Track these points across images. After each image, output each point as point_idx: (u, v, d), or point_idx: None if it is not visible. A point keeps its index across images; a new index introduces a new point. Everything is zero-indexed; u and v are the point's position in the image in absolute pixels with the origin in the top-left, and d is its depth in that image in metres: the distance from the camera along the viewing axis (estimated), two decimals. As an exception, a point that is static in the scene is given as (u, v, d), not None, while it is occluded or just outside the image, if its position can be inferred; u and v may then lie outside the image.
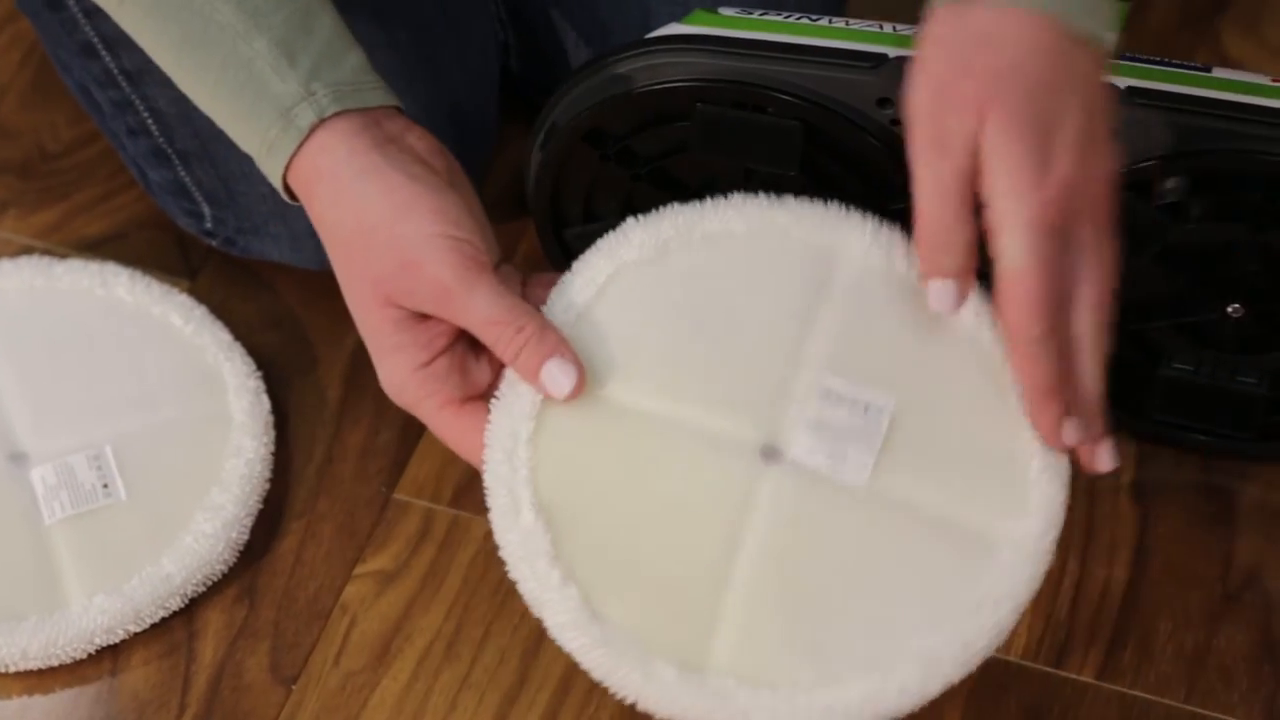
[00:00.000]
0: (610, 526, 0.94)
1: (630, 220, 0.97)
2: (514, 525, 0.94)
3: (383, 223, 0.94)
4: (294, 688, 1.05)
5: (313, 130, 0.95)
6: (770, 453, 0.95)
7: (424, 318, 0.95)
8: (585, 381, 0.95)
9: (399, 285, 0.94)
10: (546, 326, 0.95)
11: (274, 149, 0.96)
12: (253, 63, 0.96)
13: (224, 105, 0.97)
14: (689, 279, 0.96)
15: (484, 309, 0.94)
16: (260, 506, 1.09)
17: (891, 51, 0.99)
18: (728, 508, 0.94)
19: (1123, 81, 0.98)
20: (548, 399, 0.95)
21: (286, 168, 0.96)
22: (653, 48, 1.01)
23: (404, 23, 1.10)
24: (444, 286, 0.94)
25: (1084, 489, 1.08)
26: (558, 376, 0.94)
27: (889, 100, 1.00)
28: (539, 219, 1.08)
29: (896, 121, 1.00)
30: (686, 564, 0.93)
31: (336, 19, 0.97)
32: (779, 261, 0.96)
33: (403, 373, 0.96)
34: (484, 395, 0.97)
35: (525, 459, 0.95)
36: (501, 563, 1.07)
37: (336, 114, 0.95)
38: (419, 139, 0.97)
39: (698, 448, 0.94)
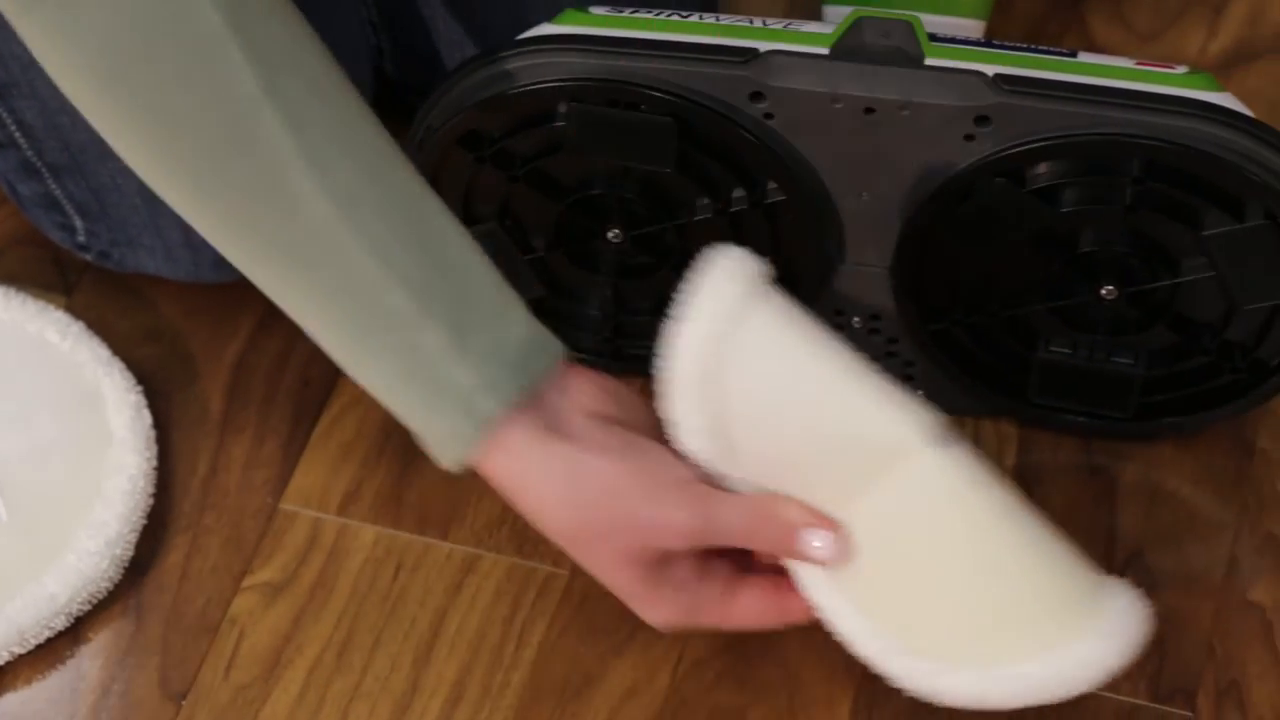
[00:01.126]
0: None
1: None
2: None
3: (600, 510, 0.94)
4: (184, 703, 1.04)
5: (494, 422, 0.93)
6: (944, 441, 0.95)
7: (655, 564, 0.96)
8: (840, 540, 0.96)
9: (642, 548, 0.95)
10: (783, 507, 0.95)
11: (454, 439, 0.94)
12: (427, 354, 0.93)
13: (394, 397, 0.94)
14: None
15: (733, 526, 0.95)
16: (144, 522, 1.08)
17: (763, 46, 1.00)
18: None
19: (991, 69, 0.99)
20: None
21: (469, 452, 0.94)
22: (526, 49, 1.01)
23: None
24: (691, 530, 0.95)
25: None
26: (815, 546, 0.95)
27: (761, 94, 1.00)
28: None
29: (770, 115, 1.01)
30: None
31: (488, 265, 0.95)
32: None
33: (673, 612, 0.97)
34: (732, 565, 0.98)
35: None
36: (391, 568, 1.08)
37: (515, 405, 0.93)
38: (585, 386, 0.96)
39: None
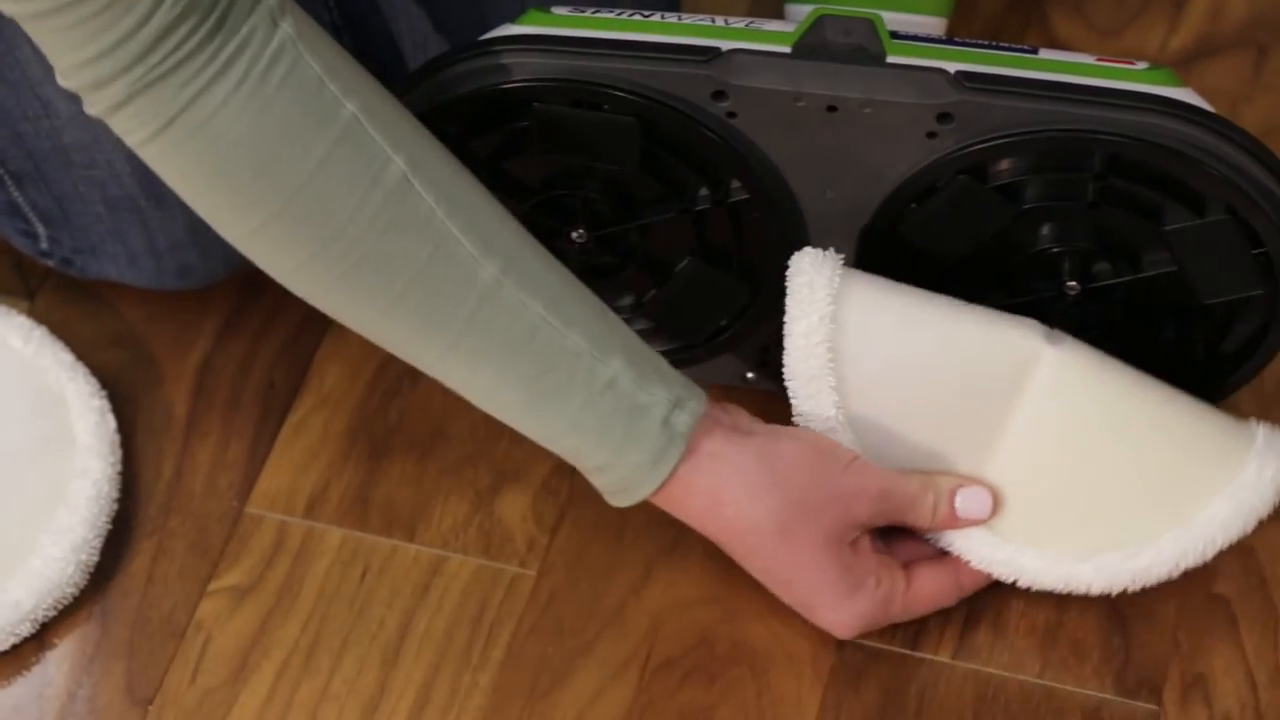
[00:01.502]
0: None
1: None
2: None
3: (803, 488, 1.00)
4: (150, 708, 1.04)
5: (688, 437, 0.98)
6: (1054, 338, 1.02)
7: (850, 547, 1.01)
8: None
9: (844, 524, 1.00)
10: (937, 476, 1.03)
11: (653, 463, 0.98)
12: (616, 381, 0.97)
13: (590, 428, 0.97)
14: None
15: (904, 494, 1.02)
16: (109, 527, 1.08)
17: (725, 45, 1.00)
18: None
19: (952, 66, 0.99)
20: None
21: (670, 475, 0.99)
22: (488, 49, 1.01)
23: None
24: (880, 493, 1.01)
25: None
26: (977, 504, 1.03)
27: (724, 93, 1.00)
28: None
29: (733, 114, 1.01)
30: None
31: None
32: None
33: (868, 605, 1.02)
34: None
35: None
36: (358, 570, 1.08)
37: (702, 417, 0.99)
38: (728, 404, 1.02)
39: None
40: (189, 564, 1.08)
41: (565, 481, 1.10)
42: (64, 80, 0.90)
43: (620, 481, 0.99)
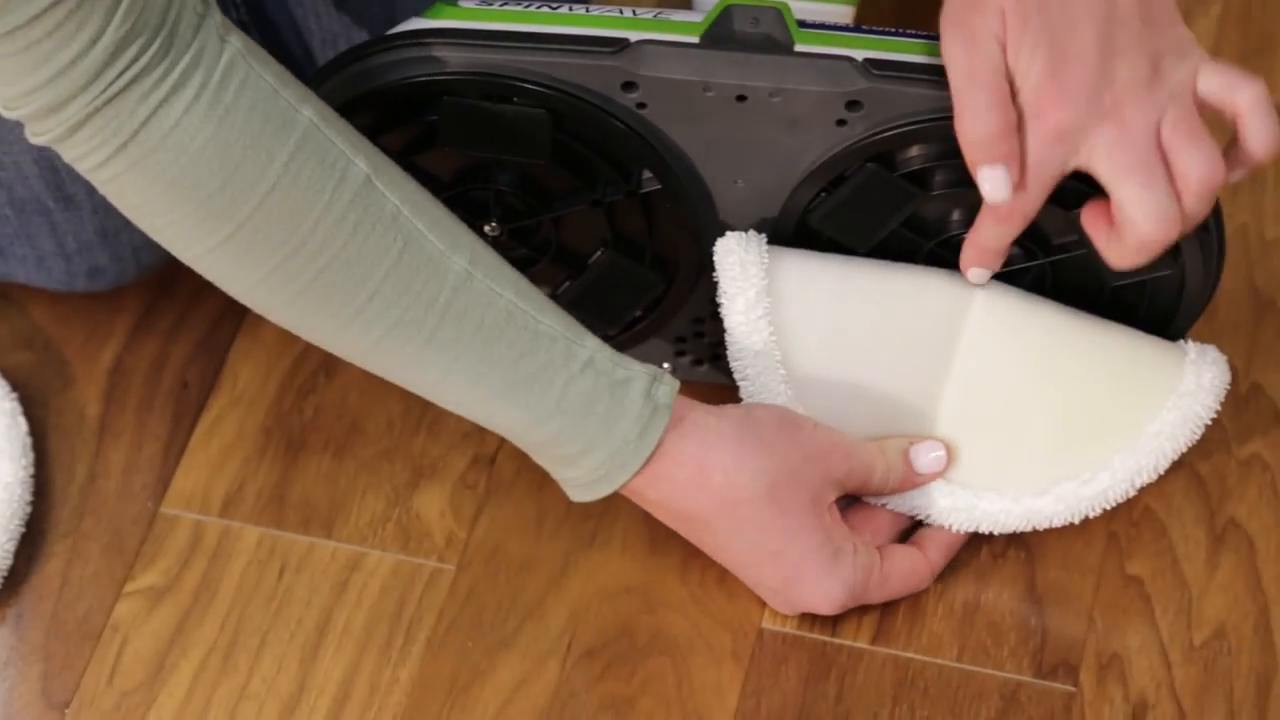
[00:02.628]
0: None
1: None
2: None
3: (786, 448, 1.00)
4: (67, 711, 1.03)
5: (670, 410, 0.98)
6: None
7: (828, 512, 1.02)
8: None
9: (824, 484, 1.01)
10: (889, 440, 1.04)
11: (638, 438, 0.98)
12: (594, 359, 0.97)
13: (573, 409, 0.97)
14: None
15: (866, 459, 1.02)
16: (22, 530, 1.07)
17: (633, 36, 1.00)
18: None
19: (860, 54, 1.00)
20: None
21: (657, 449, 0.98)
22: (396, 43, 1.01)
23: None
24: (849, 452, 1.02)
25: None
26: (932, 456, 1.04)
27: (633, 84, 1.00)
28: None
29: (643, 105, 1.01)
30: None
31: None
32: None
33: (851, 573, 1.02)
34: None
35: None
36: (276, 569, 1.07)
37: (678, 391, 0.99)
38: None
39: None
40: (104, 566, 1.07)
41: (483, 475, 1.10)
42: (10, 110, 0.89)
43: (604, 464, 0.98)
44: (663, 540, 1.07)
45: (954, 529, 1.04)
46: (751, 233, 1.03)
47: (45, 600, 1.06)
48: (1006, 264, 1.04)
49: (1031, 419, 1.04)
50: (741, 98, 1.00)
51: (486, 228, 1.06)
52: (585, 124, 1.02)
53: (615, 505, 1.08)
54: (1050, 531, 1.07)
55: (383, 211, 0.93)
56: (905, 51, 1.00)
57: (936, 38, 1.01)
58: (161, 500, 1.10)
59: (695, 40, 1.00)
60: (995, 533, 1.05)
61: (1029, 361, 1.04)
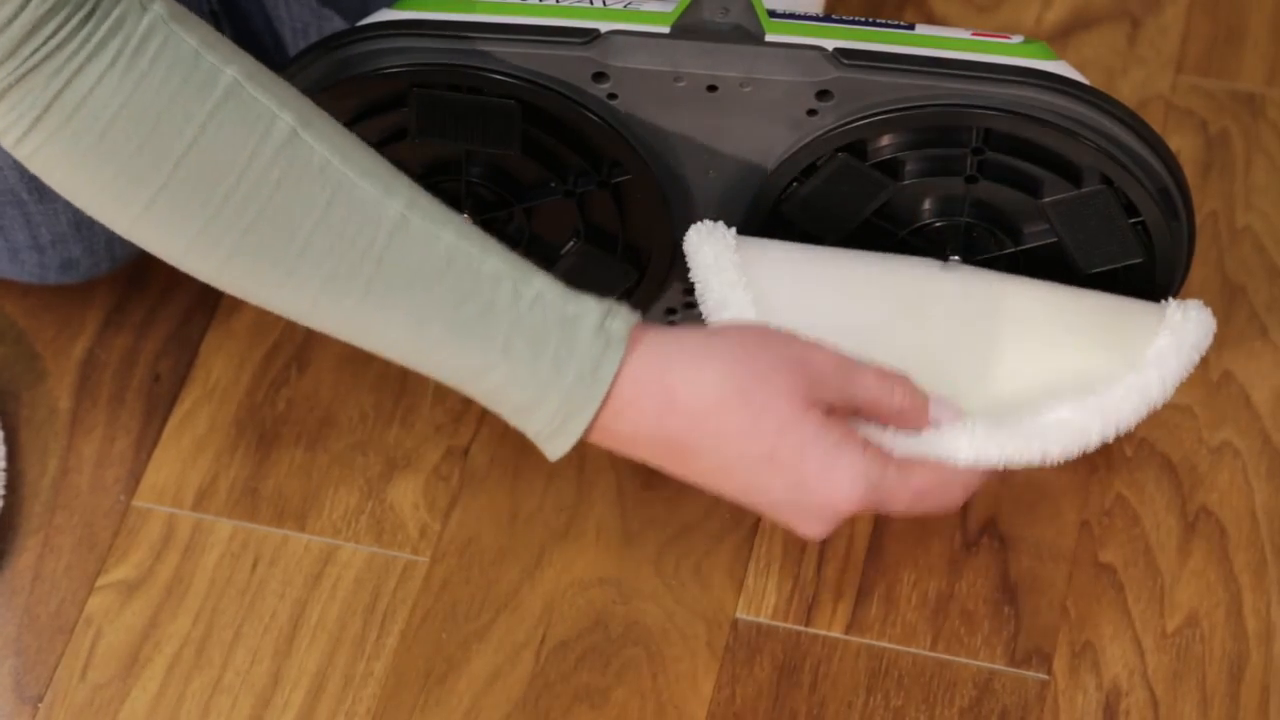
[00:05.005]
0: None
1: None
2: None
3: (756, 351, 0.94)
4: (40, 705, 1.03)
5: (625, 339, 0.92)
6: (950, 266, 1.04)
7: (820, 412, 0.95)
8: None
9: (807, 383, 0.94)
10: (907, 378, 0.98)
11: (598, 369, 0.92)
12: (542, 297, 0.92)
13: (521, 351, 0.92)
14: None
15: (870, 383, 0.96)
16: (-6, 527, 1.07)
17: (604, 26, 1.00)
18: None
19: (830, 43, 1.00)
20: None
21: (616, 380, 0.93)
22: (367, 34, 1.01)
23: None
24: (837, 359, 0.95)
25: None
26: (943, 408, 0.98)
27: (604, 74, 1.00)
28: None
29: (613, 95, 1.01)
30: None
31: None
32: None
33: (864, 471, 0.94)
34: None
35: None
36: (249, 562, 1.07)
37: (636, 322, 0.94)
38: None
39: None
40: (76, 560, 1.07)
41: (456, 467, 1.09)
42: None
43: (561, 408, 0.93)
44: (637, 531, 1.07)
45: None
46: (720, 224, 1.03)
47: (18, 594, 1.06)
48: (979, 253, 1.04)
49: (1027, 372, 1.01)
50: (712, 88, 1.00)
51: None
52: (556, 115, 1.01)
53: (589, 496, 1.08)
54: (1022, 520, 1.07)
55: (309, 163, 0.91)
56: (875, 41, 1.00)
57: (908, 27, 1.01)
58: (134, 494, 1.09)
59: (666, 30, 1.00)
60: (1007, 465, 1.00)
61: (1006, 334, 1.02)
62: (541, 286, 0.93)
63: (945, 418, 0.98)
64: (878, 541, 1.07)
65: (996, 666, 1.03)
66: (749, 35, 1.00)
